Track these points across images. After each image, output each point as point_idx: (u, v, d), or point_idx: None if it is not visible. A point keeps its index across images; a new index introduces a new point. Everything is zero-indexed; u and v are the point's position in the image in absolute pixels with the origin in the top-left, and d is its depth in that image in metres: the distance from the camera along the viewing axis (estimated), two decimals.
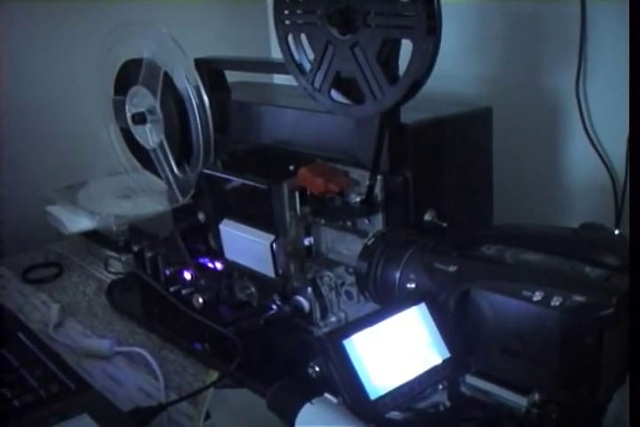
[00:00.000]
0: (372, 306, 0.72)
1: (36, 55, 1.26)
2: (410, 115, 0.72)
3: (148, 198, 1.03)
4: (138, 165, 1.01)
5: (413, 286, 0.65)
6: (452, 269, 0.62)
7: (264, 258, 0.82)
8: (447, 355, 0.62)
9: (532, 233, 0.66)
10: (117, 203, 1.19)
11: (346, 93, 0.71)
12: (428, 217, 0.74)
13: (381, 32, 0.65)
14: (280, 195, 0.79)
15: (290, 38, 0.75)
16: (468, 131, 0.78)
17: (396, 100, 0.67)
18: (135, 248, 1.05)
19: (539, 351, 0.57)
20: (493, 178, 0.82)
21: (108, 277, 1.15)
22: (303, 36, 0.73)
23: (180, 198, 0.95)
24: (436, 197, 0.76)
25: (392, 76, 0.67)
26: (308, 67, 0.73)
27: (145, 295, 1.07)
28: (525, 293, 0.56)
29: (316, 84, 0.73)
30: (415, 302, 0.62)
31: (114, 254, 1.16)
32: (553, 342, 0.55)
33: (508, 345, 0.59)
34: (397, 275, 0.66)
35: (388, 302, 0.68)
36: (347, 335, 0.57)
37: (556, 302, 0.54)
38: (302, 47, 0.74)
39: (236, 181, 0.83)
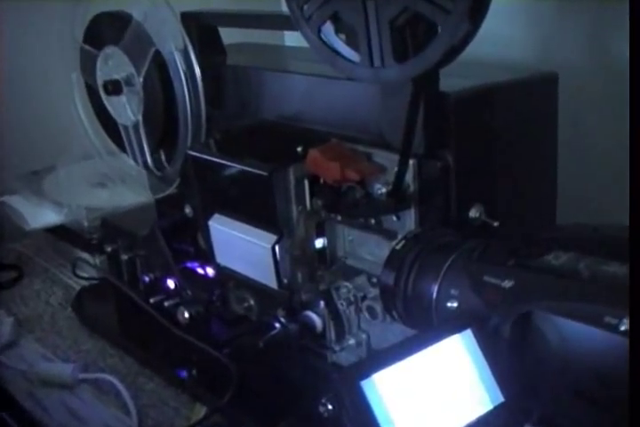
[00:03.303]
0: (401, 327, 0.70)
1: None
2: (452, 81, 0.69)
3: (126, 187, 1.02)
4: (113, 146, 1.00)
5: (455, 305, 0.61)
6: (508, 284, 0.58)
7: (264, 264, 0.79)
8: (500, 399, 0.58)
9: (615, 237, 0.61)
10: (91, 192, 1.16)
11: (343, 37, 0.68)
12: (474, 214, 0.71)
13: None
14: (284, 184, 0.76)
15: None
16: (525, 103, 0.75)
17: (393, 79, 0.65)
18: (108, 248, 1.03)
19: (624, 397, 0.51)
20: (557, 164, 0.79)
21: (79, 284, 1.12)
22: None
23: (150, 194, 0.93)
24: (485, 188, 0.73)
25: (401, 52, 0.64)
26: None
27: (120, 308, 1.05)
28: (608, 319, 0.51)
29: (306, 13, 0.68)
30: (458, 328, 0.59)
31: (85, 255, 1.13)
32: None
33: (581, 387, 0.56)
34: (434, 290, 0.63)
35: (421, 325, 0.66)
36: (366, 374, 0.53)
37: None
38: None
39: (230, 166, 0.80)
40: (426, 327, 0.64)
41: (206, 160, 0.82)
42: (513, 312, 0.57)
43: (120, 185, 1.03)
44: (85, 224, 1.12)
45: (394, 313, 0.67)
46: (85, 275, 1.12)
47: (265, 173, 0.76)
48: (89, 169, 1.15)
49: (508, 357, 0.58)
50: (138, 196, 1.00)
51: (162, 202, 0.97)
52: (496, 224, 0.71)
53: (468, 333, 0.58)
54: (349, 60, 0.67)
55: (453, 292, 0.61)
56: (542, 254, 0.60)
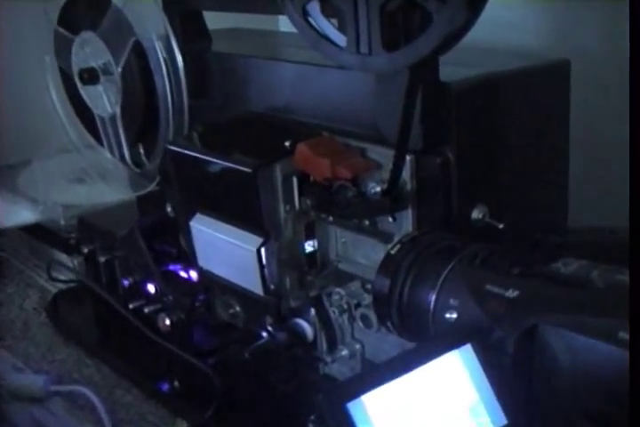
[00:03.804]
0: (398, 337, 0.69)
1: None
2: (453, 70, 0.69)
3: (105, 184, 1.02)
4: (91, 139, 1.00)
5: (454, 316, 0.61)
6: (513, 294, 0.58)
7: (249, 269, 0.79)
8: (503, 421, 0.57)
9: None
10: (69, 188, 1.16)
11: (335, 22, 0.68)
12: (477, 215, 0.72)
13: None
14: (270, 182, 0.75)
15: None
16: (534, 93, 0.75)
17: (380, 68, 0.65)
18: (85, 249, 1.02)
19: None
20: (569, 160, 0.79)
21: (56, 287, 1.11)
22: None
23: (130, 191, 0.94)
24: (489, 187, 0.73)
25: (391, 40, 0.63)
26: None
27: (97, 314, 1.04)
28: (622, 334, 0.51)
29: None
30: (457, 343, 0.58)
31: (63, 256, 1.12)
32: None
33: (592, 409, 0.55)
34: (432, 299, 0.63)
35: (417, 337, 0.65)
36: (353, 395, 0.52)
37: None
38: None
39: (212, 162, 0.79)
40: (422, 340, 0.64)
41: (186, 155, 0.81)
42: (517, 326, 0.56)
43: (99, 181, 1.02)
44: (62, 223, 1.12)
45: (388, 324, 0.67)
46: (63, 277, 1.11)
47: (249, 170, 0.74)
48: (66, 163, 1.15)
49: (512, 375, 0.57)
50: (118, 192, 1.00)
51: (143, 199, 0.96)
52: (501, 226, 0.70)
53: (468, 348, 0.57)
54: (335, 45, 0.67)
55: (452, 302, 0.61)
56: (551, 261, 0.60)
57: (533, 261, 0.61)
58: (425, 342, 0.63)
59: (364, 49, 0.64)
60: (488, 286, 0.59)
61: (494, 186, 0.73)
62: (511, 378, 0.57)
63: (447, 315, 0.61)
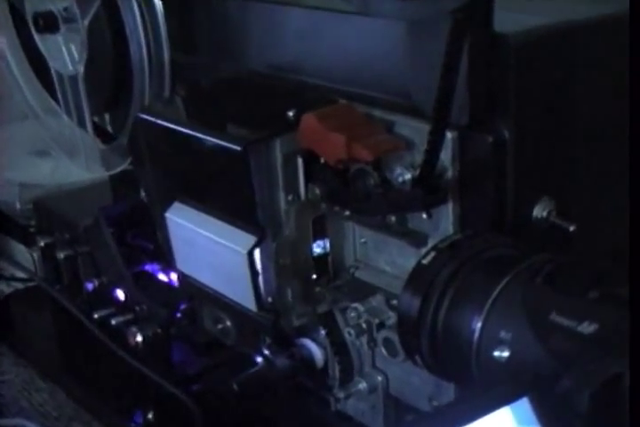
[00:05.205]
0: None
1: None
2: (513, 18, 0.67)
3: (70, 160, 1.00)
4: (53, 102, 0.99)
5: (506, 354, 0.57)
6: (589, 328, 0.54)
7: (238, 276, 0.76)
8: None
9: None
10: (28, 163, 1.17)
11: None
12: (540, 212, 0.69)
13: None
14: (268, 163, 0.73)
15: None
16: (620, 50, 0.67)
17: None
18: (42, 242, 1.02)
19: None
20: None
21: (14, 287, 1.15)
22: None
23: (101, 169, 0.92)
24: (557, 175, 0.71)
25: None
26: None
27: (57, 324, 1.06)
28: None
29: None
30: (509, 396, 0.52)
31: (21, 248, 1.13)
32: None
33: None
34: (476, 329, 0.59)
35: (454, 377, 0.64)
36: None
37: None
38: None
39: (193, 135, 0.77)
40: (461, 382, 0.63)
41: (161, 127, 0.79)
42: (595, 374, 0.52)
43: (64, 156, 1.01)
44: (18, 207, 1.11)
45: (416, 357, 0.64)
46: (22, 275, 1.11)
47: (238, 148, 0.72)
48: (26, 133, 1.15)
49: None
50: (87, 170, 0.98)
51: (118, 180, 0.96)
52: (572, 229, 0.68)
53: (524, 403, 0.52)
54: None
55: (504, 335, 0.57)
56: None
57: (618, 280, 0.56)
58: (465, 386, 0.60)
59: None
60: (554, 316, 0.56)
61: (564, 174, 0.71)
62: None
63: (496, 353, 0.57)
